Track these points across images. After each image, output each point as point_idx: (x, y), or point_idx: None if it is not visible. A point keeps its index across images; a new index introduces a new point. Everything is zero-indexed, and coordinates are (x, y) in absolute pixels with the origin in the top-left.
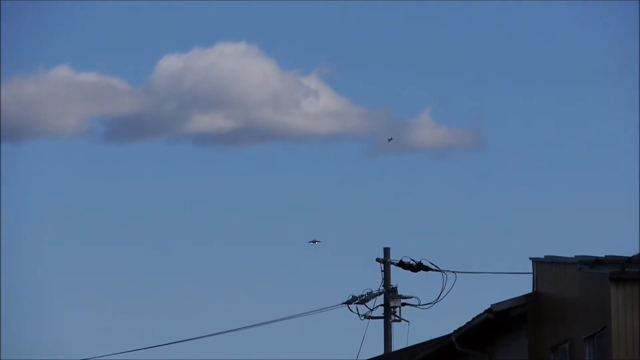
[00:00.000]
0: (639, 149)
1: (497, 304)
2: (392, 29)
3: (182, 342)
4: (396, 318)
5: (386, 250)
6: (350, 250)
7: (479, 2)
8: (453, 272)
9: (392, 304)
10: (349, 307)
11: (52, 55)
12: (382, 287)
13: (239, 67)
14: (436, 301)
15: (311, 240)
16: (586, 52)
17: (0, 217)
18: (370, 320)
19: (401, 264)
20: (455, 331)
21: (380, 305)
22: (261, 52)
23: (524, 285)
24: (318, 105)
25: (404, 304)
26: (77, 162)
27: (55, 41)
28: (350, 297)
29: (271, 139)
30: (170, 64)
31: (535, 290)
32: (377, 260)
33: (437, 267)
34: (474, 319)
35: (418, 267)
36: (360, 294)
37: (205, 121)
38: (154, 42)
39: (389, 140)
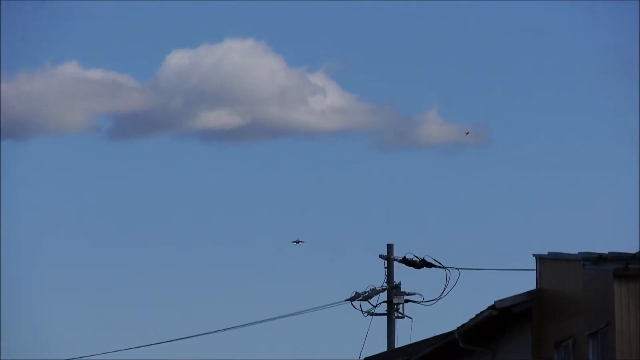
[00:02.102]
0: None
1: (501, 300)
2: (399, 26)
3: (186, 339)
4: (399, 315)
5: (389, 247)
6: (354, 246)
7: (484, 1)
8: (456, 268)
9: (395, 300)
10: (352, 304)
11: (60, 52)
12: (385, 284)
13: (246, 63)
14: (439, 298)
15: (294, 240)
16: (590, 49)
17: (1, 213)
18: (374, 317)
19: (404, 261)
20: (458, 328)
21: (384, 301)
22: (269, 48)
23: (527, 282)
24: (325, 102)
25: (407, 301)
26: (82, 159)
27: (63, 38)
28: (354, 294)
29: (278, 135)
30: (177, 60)
31: (538, 286)
32: (381, 256)
33: (440, 263)
34: (477, 315)
35: (421, 263)
36: (363, 290)
37: (211, 117)
38: (162, 38)
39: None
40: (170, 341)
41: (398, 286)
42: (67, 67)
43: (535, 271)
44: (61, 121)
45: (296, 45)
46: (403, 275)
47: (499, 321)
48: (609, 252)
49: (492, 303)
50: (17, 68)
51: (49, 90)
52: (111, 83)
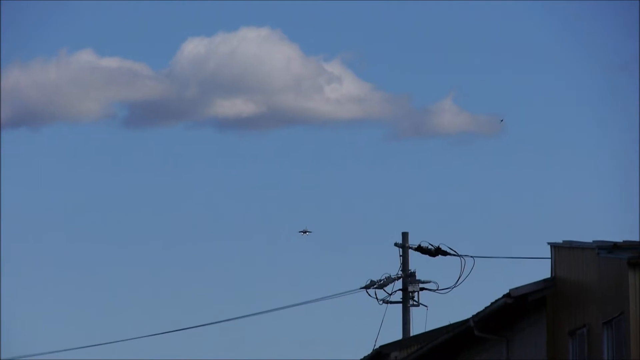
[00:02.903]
0: None
1: (516, 288)
2: (415, 16)
3: (204, 327)
4: (414, 303)
5: (405, 235)
6: (369, 234)
7: None
8: (471, 257)
9: (410, 288)
10: (367, 292)
11: (76, 40)
12: (400, 272)
13: (261, 51)
14: (454, 286)
15: (302, 230)
16: (610, 41)
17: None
18: (389, 304)
19: (420, 249)
20: (473, 316)
21: (399, 289)
22: (284, 37)
23: (542, 270)
24: (340, 90)
25: (422, 289)
26: (97, 147)
27: (79, 26)
28: (369, 282)
29: (293, 124)
30: (192, 48)
31: (553, 275)
32: (396, 244)
33: (455, 252)
34: (492, 303)
35: (436, 251)
36: (378, 278)
37: (227, 106)
38: (177, 27)
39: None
40: (185, 329)
41: (413, 274)
42: (83, 55)
43: (550, 259)
44: (76, 109)
45: (312, 34)
46: (418, 263)
47: (514, 309)
48: (624, 241)
49: (507, 291)
50: (32, 55)
51: (64, 78)
52: (127, 71)
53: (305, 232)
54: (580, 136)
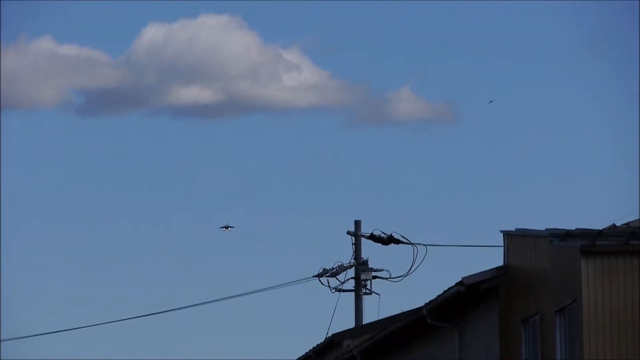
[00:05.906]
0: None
1: (468, 276)
2: (373, 4)
3: (157, 315)
4: (367, 291)
5: (357, 223)
6: (323, 222)
7: None
8: (424, 245)
9: (363, 277)
10: (319, 280)
11: (34, 26)
12: (353, 260)
13: (220, 39)
14: (407, 274)
15: (223, 225)
16: (563, 25)
17: None
18: (341, 293)
19: (372, 237)
20: (426, 304)
21: (351, 278)
22: (244, 24)
23: (495, 258)
24: (299, 78)
25: (375, 277)
26: (53, 134)
27: (38, 12)
28: (321, 270)
29: (250, 111)
30: (151, 35)
31: (506, 263)
32: (348, 233)
33: (407, 240)
34: (445, 292)
35: (389, 240)
36: (331, 267)
37: (184, 93)
38: (137, 14)
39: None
40: (140, 317)
41: (366, 262)
42: (42, 41)
43: (502, 247)
44: (33, 97)
45: (271, 22)
46: (371, 251)
47: (466, 297)
48: (577, 229)
49: (460, 279)
50: None
51: (21, 65)
52: (85, 58)
53: (226, 227)
54: (536, 124)
